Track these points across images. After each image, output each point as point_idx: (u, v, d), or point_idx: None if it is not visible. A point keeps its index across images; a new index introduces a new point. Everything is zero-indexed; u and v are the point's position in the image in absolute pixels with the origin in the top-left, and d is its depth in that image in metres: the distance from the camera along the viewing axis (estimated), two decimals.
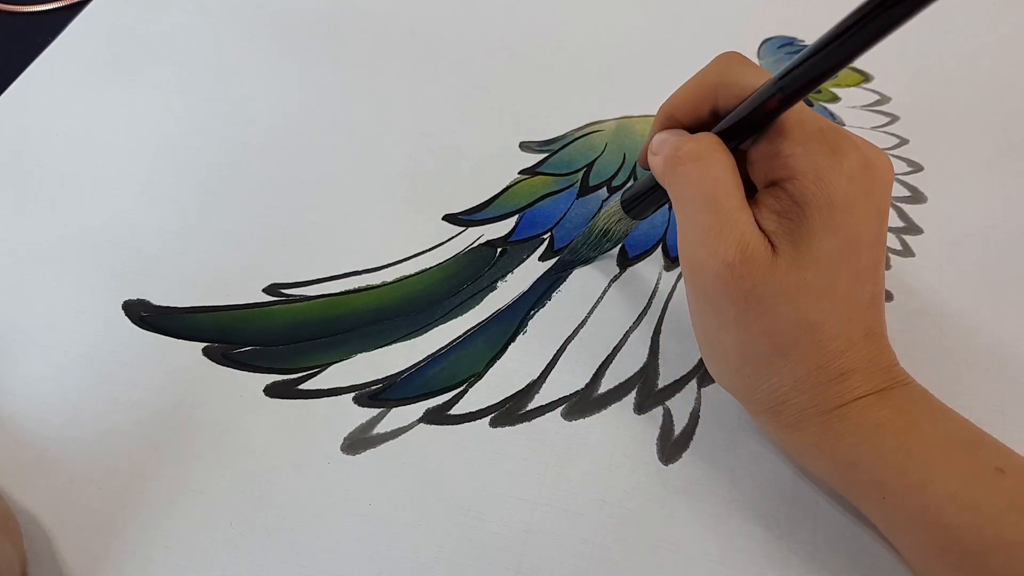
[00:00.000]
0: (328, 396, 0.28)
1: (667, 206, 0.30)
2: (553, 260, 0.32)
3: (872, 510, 0.22)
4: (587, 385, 0.28)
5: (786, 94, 0.20)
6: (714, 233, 0.21)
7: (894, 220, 0.33)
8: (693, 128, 0.24)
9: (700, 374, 0.28)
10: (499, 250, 0.32)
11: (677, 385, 0.28)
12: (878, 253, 0.22)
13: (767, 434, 0.25)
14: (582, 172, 0.35)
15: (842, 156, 0.21)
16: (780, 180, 0.22)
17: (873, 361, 0.22)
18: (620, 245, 0.32)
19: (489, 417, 0.27)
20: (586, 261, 0.31)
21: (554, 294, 0.31)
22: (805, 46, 0.41)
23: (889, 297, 0.31)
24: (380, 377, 0.28)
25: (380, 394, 0.28)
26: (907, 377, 0.23)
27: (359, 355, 0.29)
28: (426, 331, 0.29)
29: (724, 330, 0.22)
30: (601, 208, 0.30)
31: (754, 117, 0.22)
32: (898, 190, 0.34)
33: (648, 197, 0.27)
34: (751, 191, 0.23)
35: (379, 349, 0.29)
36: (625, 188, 0.28)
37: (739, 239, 0.21)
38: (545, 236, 0.32)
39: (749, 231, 0.21)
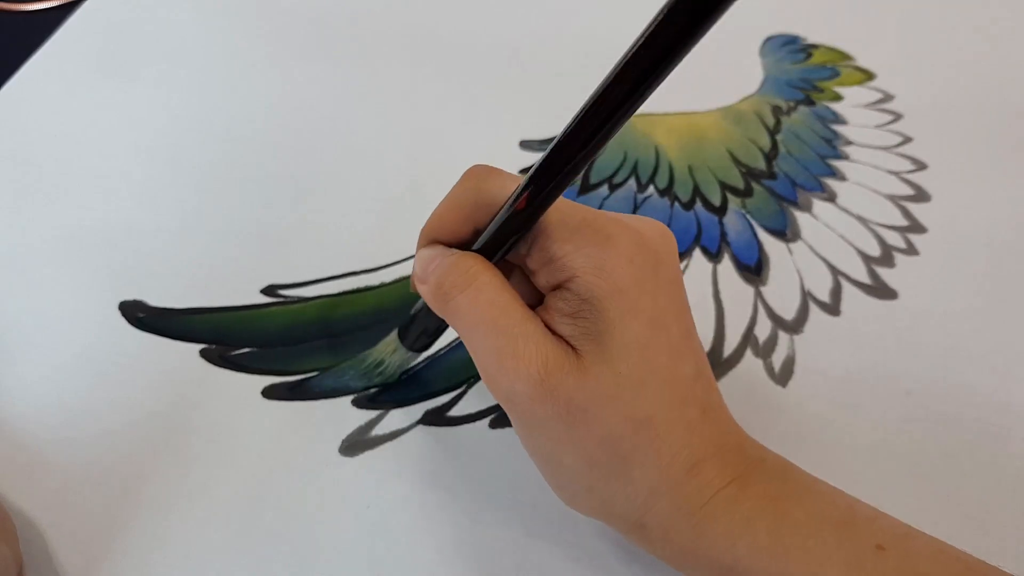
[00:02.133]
0: (326, 398, 0.27)
1: (667, 200, 0.29)
2: None
3: None
4: None
5: (534, 191, 0.19)
6: (507, 355, 0.20)
7: (899, 219, 0.33)
8: (460, 246, 0.22)
9: None
10: None
11: None
12: (687, 323, 0.21)
13: (649, 552, 0.23)
14: (582, 172, 0.35)
15: (614, 241, 0.20)
16: (563, 282, 0.20)
17: (721, 445, 0.21)
18: (396, 377, 0.28)
19: (488, 419, 0.27)
20: (353, 391, 0.28)
21: None
22: (807, 44, 0.41)
23: (893, 295, 0.31)
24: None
25: (379, 396, 0.28)
26: (761, 451, 0.21)
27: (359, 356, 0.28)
28: None
29: (560, 451, 0.20)
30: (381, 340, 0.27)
31: (510, 225, 0.20)
32: (902, 188, 0.34)
33: (427, 328, 0.25)
34: (539, 298, 0.21)
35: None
36: (402, 323, 0.26)
37: (536, 352, 0.19)
38: None
39: (544, 341, 0.20)
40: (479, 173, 0.22)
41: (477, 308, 0.20)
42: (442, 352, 0.29)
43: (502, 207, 0.21)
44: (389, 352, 0.27)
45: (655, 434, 0.20)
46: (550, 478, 0.22)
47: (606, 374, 0.19)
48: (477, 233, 0.22)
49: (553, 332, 0.20)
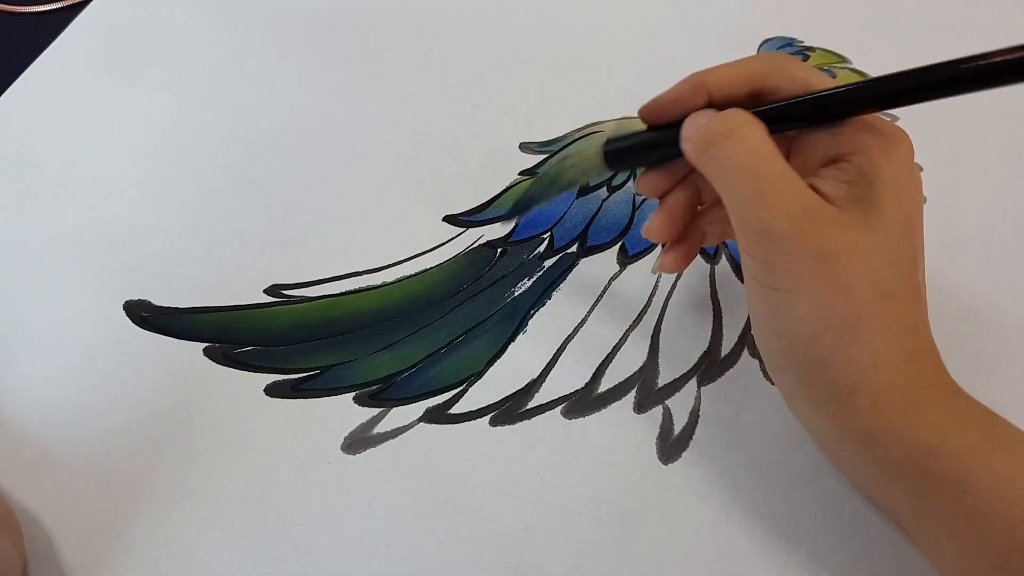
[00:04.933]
0: (328, 396, 0.28)
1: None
2: (555, 259, 0.32)
3: (938, 507, 0.20)
4: (587, 384, 0.28)
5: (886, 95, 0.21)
6: (768, 195, 0.21)
7: None
8: (719, 105, 0.23)
9: (700, 373, 0.28)
10: (499, 250, 0.32)
11: (677, 384, 0.28)
12: (922, 240, 0.23)
13: (821, 426, 0.23)
14: None
15: (899, 141, 0.22)
16: (844, 155, 0.22)
17: (935, 351, 0.22)
18: (576, 183, 0.28)
19: (489, 416, 0.27)
20: (525, 208, 0.29)
21: (554, 293, 0.31)
22: (804, 47, 0.41)
23: None
24: (380, 377, 0.28)
25: (380, 394, 0.28)
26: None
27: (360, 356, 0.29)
28: (426, 331, 0.29)
29: (800, 292, 0.21)
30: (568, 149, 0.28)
31: (821, 112, 0.22)
32: None
33: (643, 152, 0.25)
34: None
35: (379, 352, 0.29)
36: (610, 139, 0.26)
37: (797, 196, 0.21)
38: (545, 236, 0.32)
39: (805, 190, 0.21)
40: (780, 55, 0.24)
41: (739, 154, 0.21)
42: (443, 351, 0.29)
43: (815, 91, 0.22)
44: (589, 150, 0.26)
45: (893, 308, 0.21)
46: (774, 322, 0.22)
47: (864, 238, 0.21)
48: (751, 96, 0.23)
49: (817, 191, 0.22)
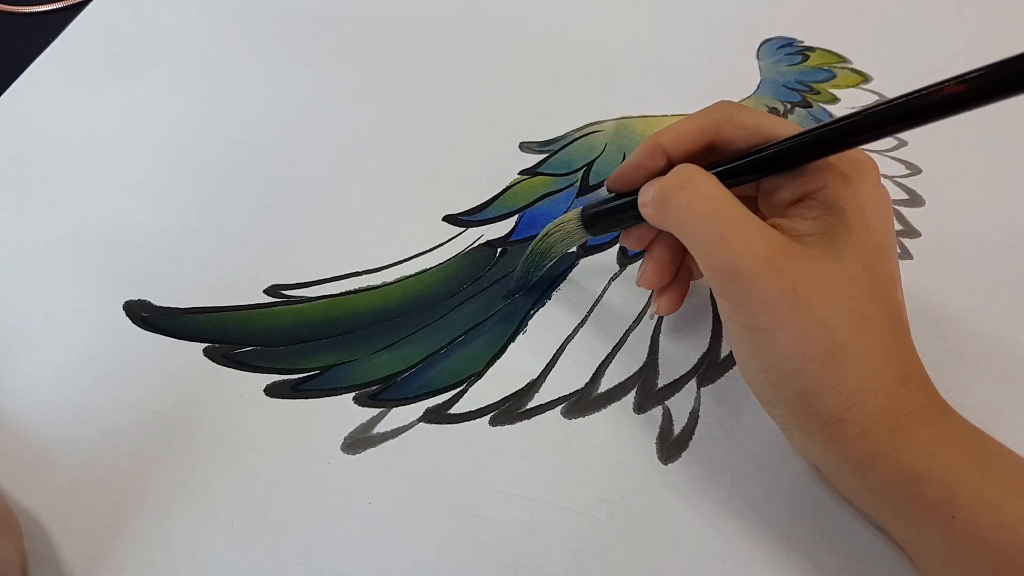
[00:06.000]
0: (328, 396, 0.28)
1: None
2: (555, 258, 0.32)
3: (929, 532, 0.21)
4: (587, 384, 0.28)
5: (823, 147, 0.21)
6: (733, 237, 0.21)
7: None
8: (679, 163, 0.24)
9: (700, 374, 0.28)
10: (499, 250, 0.32)
11: (677, 384, 0.28)
12: (896, 262, 0.23)
13: (816, 454, 0.23)
14: (582, 172, 0.35)
15: (862, 166, 0.22)
16: (808, 193, 0.22)
17: (922, 373, 0.22)
18: (552, 263, 0.30)
19: (489, 416, 0.27)
20: (527, 282, 0.30)
21: (554, 293, 0.31)
22: (804, 47, 0.41)
23: None
24: (380, 377, 0.28)
25: (380, 394, 0.28)
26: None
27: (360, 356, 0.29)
28: (426, 331, 0.29)
29: (777, 329, 0.21)
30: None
31: (773, 162, 0.22)
32: (896, 193, 0.34)
33: (614, 216, 0.26)
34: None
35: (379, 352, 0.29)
36: (586, 206, 0.27)
37: (760, 235, 0.21)
38: None
39: (767, 229, 0.21)
40: (730, 104, 0.24)
41: (697, 202, 0.22)
42: (443, 351, 0.29)
43: (768, 144, 0.22)
44: (565, 232, 0.28)
45: (873, 334, 0.21)
46: (758, 361, 0.22)
47: (834, 269, 0.21)
48: (708, 150, 0.24)
49: (785, 230, 0.22)
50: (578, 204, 0.34)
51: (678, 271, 0.27)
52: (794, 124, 0.23)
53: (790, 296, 0.21)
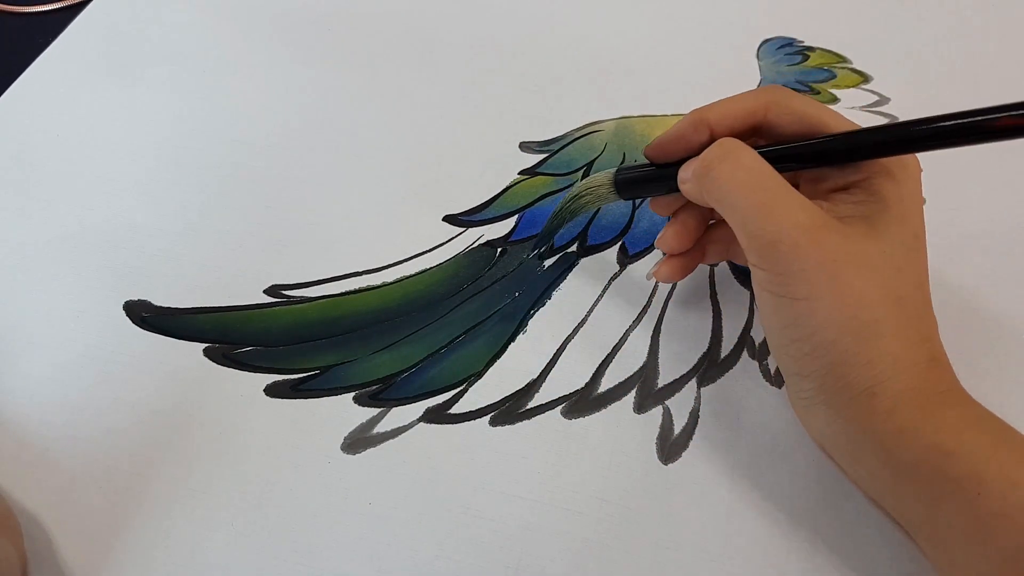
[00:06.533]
0: (328, 396, 0.28)
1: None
2: (555, 258, 0.32)
3: (951, 509, 0.21)
4: (587, 384, 0.28)
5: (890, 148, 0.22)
6: (775, 206, 0.22)
7: None
8: (720, 136, 0.24)
9: (700, 373, 0.28)
10: (499, 250, 0.32)
11: (677, 384, 0.28)
12: (926, 258, 0.23)
13: (837, 431, 0.22)
14: (582, 172, 0.35)
15: (909, 165, 0.23)
16: (851, 184, 0.23)
17: (947, 360, 0.22)
18: (585, 210, 0.30)
19: (489, 416, 0.27)
20: (550, 240, 0.31)
21: (554, 293, 0.31)
22: (804, 47, 0.41)
23: None
24: (380, 377, 0.28)
25: (380, 394, 0.28)
26: None
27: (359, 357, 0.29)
28: (426, 331, 0.29)
29: (815, 300, 0.21)
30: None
31: (829, 155, 0.23)
32: None
33: (648, 184, 0.27)
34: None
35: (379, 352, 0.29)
36: (620, 169, 0.28)
37: (802, 207, 0.22)
38: None
39: (808, 202, 0.22)
40: (780, 88, 0.25)
41: (739, 172, 0.22)
42: (443, 351, 0.29)
43: (821, 137, 0.23)
44: (602, 184, 0.28)
45: (907, 315, 0.21)
46: (793, 330, 0.22)
47: (873, 248, 0.22)
48: (752, 130, 0.25)
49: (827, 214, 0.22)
50: None
51: (694, 244, 0.27)
52: (842, 115, 0.24)
53: (830, 268, 0.21)
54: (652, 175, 0.26)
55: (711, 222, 0.28)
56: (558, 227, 0.31)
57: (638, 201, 0.34)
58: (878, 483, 0.23)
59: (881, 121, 0.37)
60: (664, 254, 0.28)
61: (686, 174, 0.24)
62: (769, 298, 0.23)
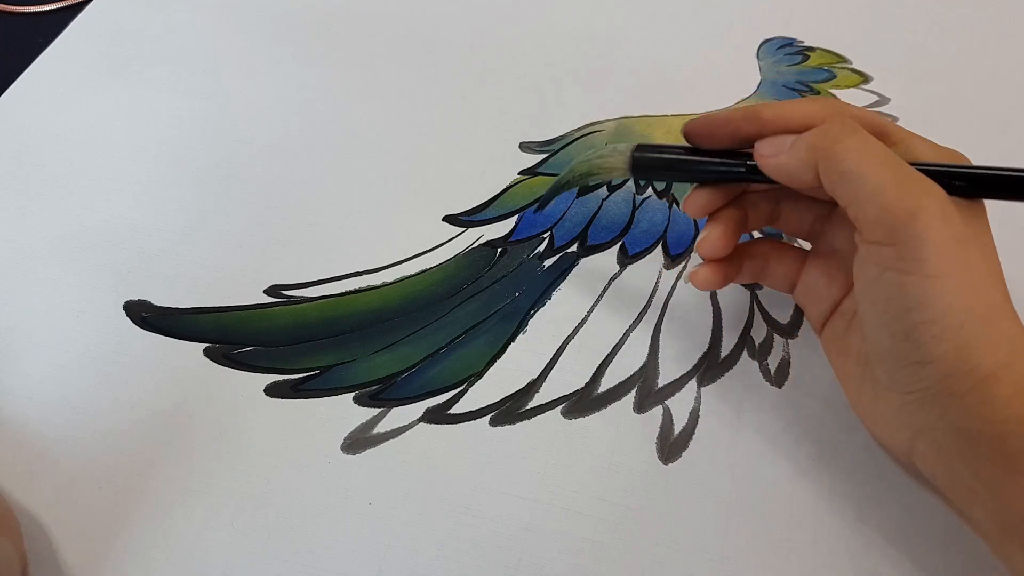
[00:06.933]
0: (328, 396, 0.28)
1: (666, 202, 0.30)
2: (555, 258, 0.32)
3: None
4: (587, 384, 0.28)
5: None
6: (912, 178, 0.21)
7: None
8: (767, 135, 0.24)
9: (700, 374, 0.28)
10: (499, 250, 0.32)
11: (677, 384, 0.28)
12: None
13: (952, 421, 0.21)
14: None
15: (962, 158, 0.23)
16: None
17: None
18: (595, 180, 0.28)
19: (489, 416, 0.27)
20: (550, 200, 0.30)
21: (554, 293, 0.31)
22: (804, 47, 0.41)
23: None
24: (380, 377, 0.28)
25: (380, 394, 0.28)
26: None
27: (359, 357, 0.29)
28: (426, 331, 0.29)
29: (948, 277, 0.21)
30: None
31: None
32: None
33: (671, 169, 0.26)
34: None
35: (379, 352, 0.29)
36: (641, 145, 0.26)
37: (932, 184, 0.21)
38: (545, 236, 0.32)
39: (932, 181, 0.22)
40: (838, 101, 0.26)
41: (871, 145, 0.22)
42: (443, 351, 0.29)
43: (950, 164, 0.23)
44: (615, 157, 0.26)
45: (1011, 299, 0.22)
46: (921, 312, 0.21)
47: (983, 229, 0.22)
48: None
49: None
50: (578, 204, 0.34)
51: (731, 253, 0.26)
52: (895, 124, 0.24)
53: (961, 245, 0.21)
54: (686, 160, 0.25)
55: (745, 237, 0.27)
56: (558, 192, 0.29)
57: (639, 200, 0.34)
58: (981, 481, 0.21)
59: None
60: (702, 259, 0.27)
61: (778, 147, 0.23)
62: (894, 278, 0.21)
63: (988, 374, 0.21)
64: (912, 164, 0.23)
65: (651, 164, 0.26)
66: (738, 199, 0.27)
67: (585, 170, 0.27)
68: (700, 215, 0.27)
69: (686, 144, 0.26)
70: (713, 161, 0.25)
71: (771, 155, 0.24)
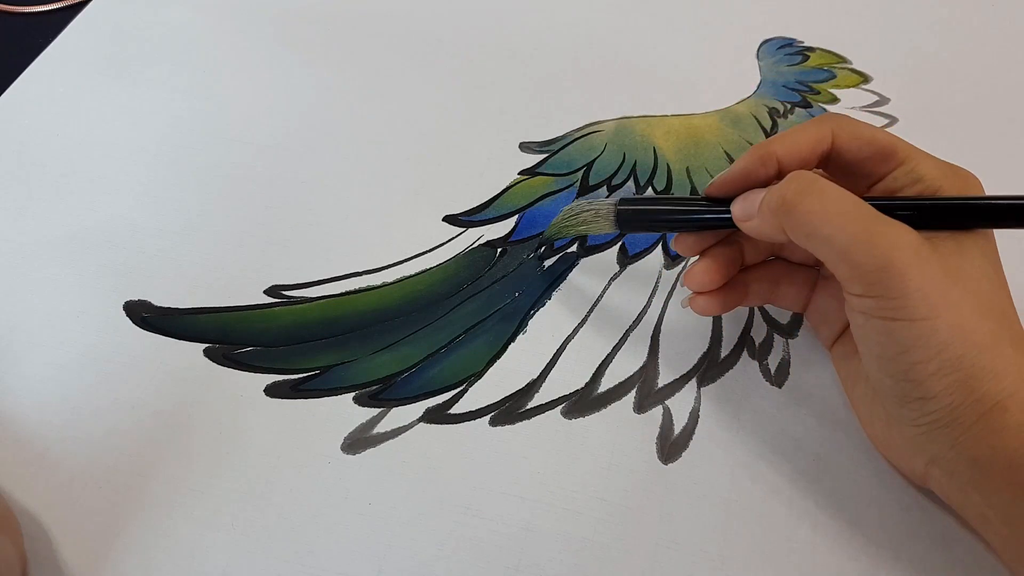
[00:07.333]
0: (328, 396, 0.28)
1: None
2: (555, 259, 0.32)
3: None
4: (587, 384, 0.28)
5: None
6: (880, 227, 0.21)
7: None
8: (789, 170, 0.24)
9: (700, 374, 0.28)
10: (499, 250, 0.32)
11: (677, 384, 0.28)
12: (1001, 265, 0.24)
13: (963, 451, 0.21)
14: (582, 172, 0.35)
15: (970, 178, 0.24)
16: (929, 195, 0.23)
17: None
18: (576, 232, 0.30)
19: (489, 416, 0.27)
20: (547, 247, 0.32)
21: (554, 293, 0.31)
22: (804, 47, 0.41)
23: None
24: (380, 377, 0.28)
25: (380, 394, 0.28)
26: None
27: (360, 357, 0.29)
28: (426, 331, 0.29)
29: (937, 318, 0.21)
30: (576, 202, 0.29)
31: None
32: None
33: (656, 222, 0.27)
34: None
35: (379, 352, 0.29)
36: (624, 199, 0.27)
37: (900, 229, 0.21)
38: None
39: (902, 225, 0.21)
40: (840, 115, 0.25)
41: (828, 204, 0.22)
42: (443, 351, 0.29)
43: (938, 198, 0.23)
44: (600, 210, 0.27)
45: (1012, 327, 0.22)
46: (915, 353, 0.21)
47: (968, 264, 0.22)
48: (823, 163, 0.24)
49: None
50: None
51: (730, 281, 0.26)
52: (901, 140, 0.23)
53: (945, 283, 0.21)
54: (668, 211, 0.26)
55: (750, 262, 0.27)
56: (553, 240, 0.31)
57: None
58: (993, 508, 0.22)
59: (879, 121, 0.37)
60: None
61: (748, 210, 0.23)
62: (881, 325, 0.21)
63: (995, 404, 0.21)
64: (885, 200, 0.23)
65: (636, 217, 0.27)
66: (734, 233, 0.26)
67: (571, 227, 0.29)
68: (689, 255, 0.27)
69: (669, 195, 0.26)
70: (697, 211, 0.25)
71: (745, 218, 0.24)
